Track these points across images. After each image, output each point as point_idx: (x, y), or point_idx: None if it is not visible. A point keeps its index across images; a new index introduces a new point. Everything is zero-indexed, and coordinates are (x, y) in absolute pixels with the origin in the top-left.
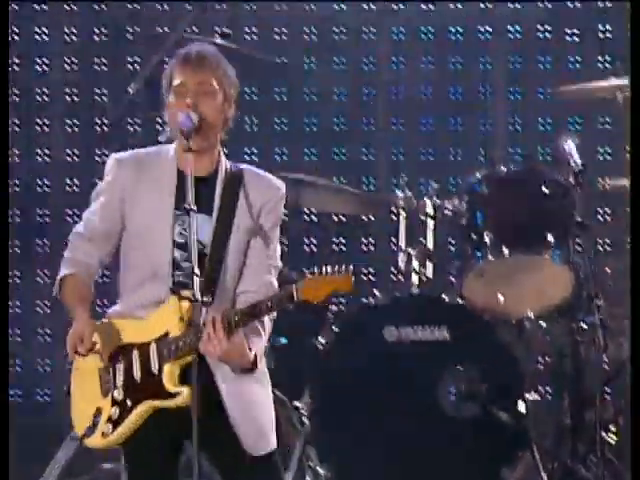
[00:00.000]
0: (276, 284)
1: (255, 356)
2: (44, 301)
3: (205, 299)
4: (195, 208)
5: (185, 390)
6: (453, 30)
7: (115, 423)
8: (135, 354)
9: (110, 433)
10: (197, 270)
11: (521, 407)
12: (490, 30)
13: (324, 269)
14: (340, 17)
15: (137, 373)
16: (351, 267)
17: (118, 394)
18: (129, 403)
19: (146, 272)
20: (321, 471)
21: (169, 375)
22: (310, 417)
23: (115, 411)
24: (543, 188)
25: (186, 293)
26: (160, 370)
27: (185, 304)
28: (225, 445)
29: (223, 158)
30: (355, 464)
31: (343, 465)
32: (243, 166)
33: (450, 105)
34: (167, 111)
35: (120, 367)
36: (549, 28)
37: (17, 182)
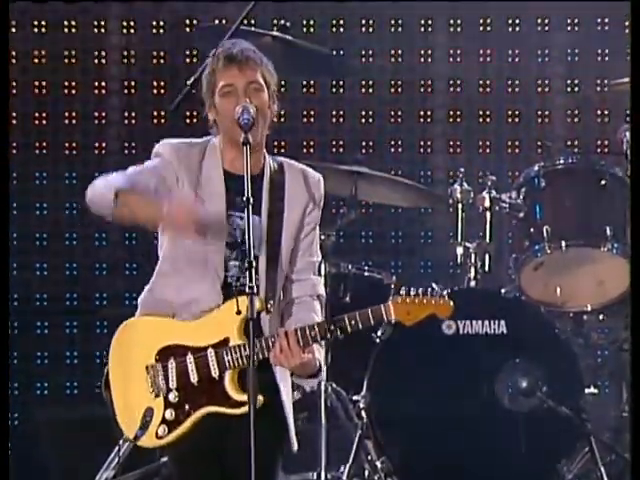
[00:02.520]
0: (321, 287)
1: (319, 364)
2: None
3: (269, 306)
4: (252, 201)
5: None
6: (511, 22)
7: (171, 426)
8: (190, 358)
9: (166, 435)
10: (259, 276)
11: (579, 401)
12: (548, 22)
13: (417, 290)
14: (396, 10)
15: (194, 377)
16: (445, 291)
17: (174, 397)
18: (187, 407)
19: (196, 270)
20: (379, 464)
21: (232, 382)
22: (368, 411)
23: (171, 414)
24: (601, 180)
25: (243, 299)
26: (221, 377)
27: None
28: (276, 440)
29: (267, 155)
30: (413, 457)
31: (401, 458)
32: (281, 159)
33: (507, 98)
34: (212, 112)
35: (172, 368)
36: (607, 21)
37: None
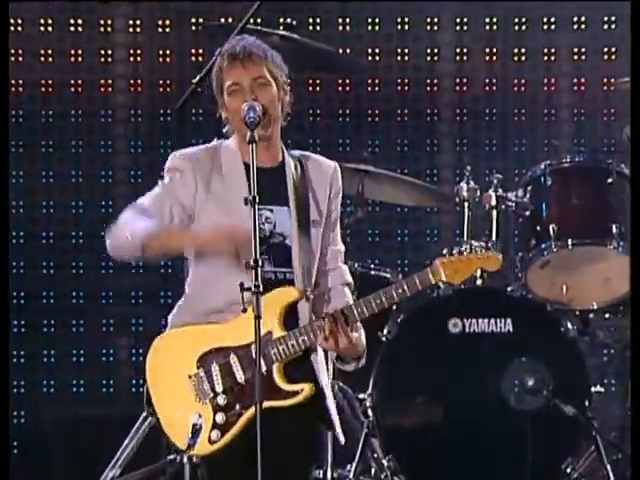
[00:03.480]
0: (349, 275)
1: (364, 345)
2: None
3: (307, 293)
4: (257, 199)
5: (306, 387)
6: (517, 21)
7: (223, 429)
8: (233, 358)
9: (219, 439)
10: (296, 263)
11: (585, 399)
12: (554, 21)
13: (460, 248)
14: (403, 8)
15: (241, 377)
16: (490, 243)
17: (222, 400)
18: (238, 407)
19: (231, 273)
20: (385, 463)
21: (279, 374)
22: (374, 409)
23: (222, 417)
24: (607, 179)
25: (279, 289)
26: (269, 370)
27: (291, 297)
28: (314, 432)
29: (284, 148)
30: (419, 456)
31: (407, 457)
32: (297, 152)
33: (514, 96)
34: (224, 110)
35: (216, 372)
36: (613, 19)
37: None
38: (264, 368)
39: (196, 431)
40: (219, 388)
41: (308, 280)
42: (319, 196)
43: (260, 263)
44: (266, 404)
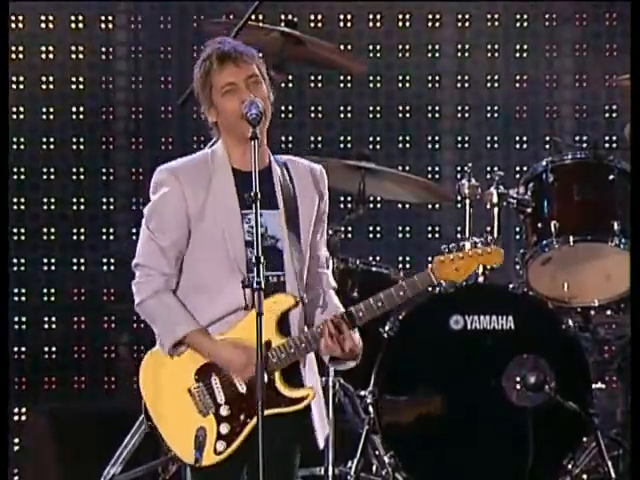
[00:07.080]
0: (332, 280)
1: (362, 345)
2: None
3: (303, 298)
4: (260, 196)
5: (310, 393)
6: (519, 17)
7: (228, 439)
8: None
9: (225, 450)
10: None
11: (586, 396)
12: (555, 17)
13: (459, 245)
14: (404, 5)
15: (242, 387)
16: (490, 238)
17: (225, 411)
18: (242, 417)
19: (223, 279)
20: (386, 459)
21: (281, 381)
22: (375, 406)
23: (226, 428)
24: (609, 176)
25: (274, 298)
26: (271, 379)
27: (287, 304)
28: (298, 439)
29: (269, 153)
30: (420, 452)
31: (408, 454)
32: (283, 157)
33: (515, 93)
34: (212, 113)
35: (217, 384)
36: (615, 16)
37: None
38: (265, 377)
39: (200, 443)
40: (221, 399)
41: (300, 283)
42: (306, 200)
43: (257, 264)
44: (271, 412)
